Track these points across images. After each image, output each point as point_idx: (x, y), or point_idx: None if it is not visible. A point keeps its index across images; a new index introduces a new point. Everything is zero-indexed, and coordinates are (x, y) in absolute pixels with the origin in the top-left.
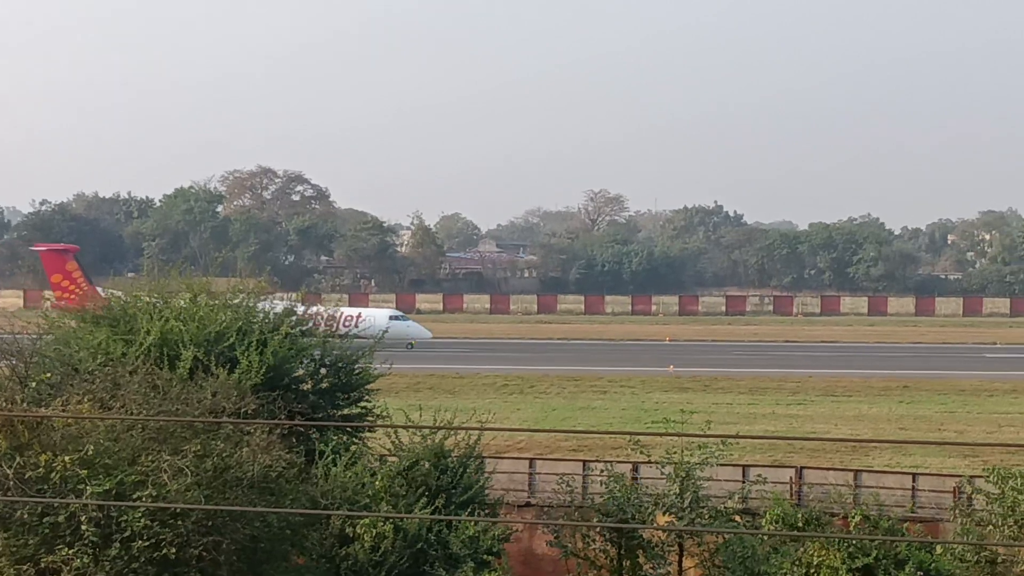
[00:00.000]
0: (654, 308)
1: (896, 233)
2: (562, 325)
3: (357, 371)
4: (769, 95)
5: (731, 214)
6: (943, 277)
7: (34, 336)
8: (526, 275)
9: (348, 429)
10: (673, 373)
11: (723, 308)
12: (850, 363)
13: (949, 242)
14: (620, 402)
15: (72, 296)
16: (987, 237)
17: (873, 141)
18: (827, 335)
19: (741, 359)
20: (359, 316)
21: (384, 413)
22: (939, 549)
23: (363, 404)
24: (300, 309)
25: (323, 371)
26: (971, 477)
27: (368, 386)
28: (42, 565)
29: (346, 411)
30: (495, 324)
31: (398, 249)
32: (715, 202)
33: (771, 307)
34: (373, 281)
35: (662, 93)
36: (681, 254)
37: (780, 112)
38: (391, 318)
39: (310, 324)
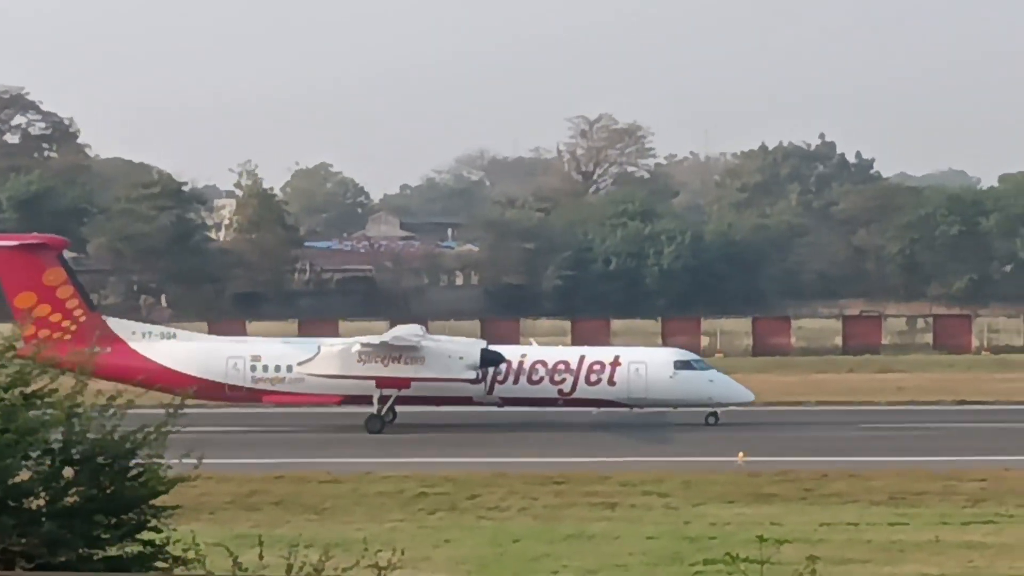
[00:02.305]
0: (705, 340)
1: None
2: None
3: (135, 472)
4: None
5: (852, 160)
6: None
7: None
8: (459, 281)
9: None
10: (744, 465)
11: (838, 340)
12: None
13: None
14: (643, 524)
15: (60, 333)
16: None
17: None
18: None
19: (874, 437)
20: (615, 362)
21: (189, 554)
22: None
23: (146, 537)
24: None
25: (67, 473)
26: None
27: (158, 500)
28: None
29: (115, 551)
30: None
31: (213, 236)
32: (821, 136)
33: (931, 335)
34: (164, 297)
35: None
36: (756, 236)
37: None
38: (677, 364)
39: (56, 379)
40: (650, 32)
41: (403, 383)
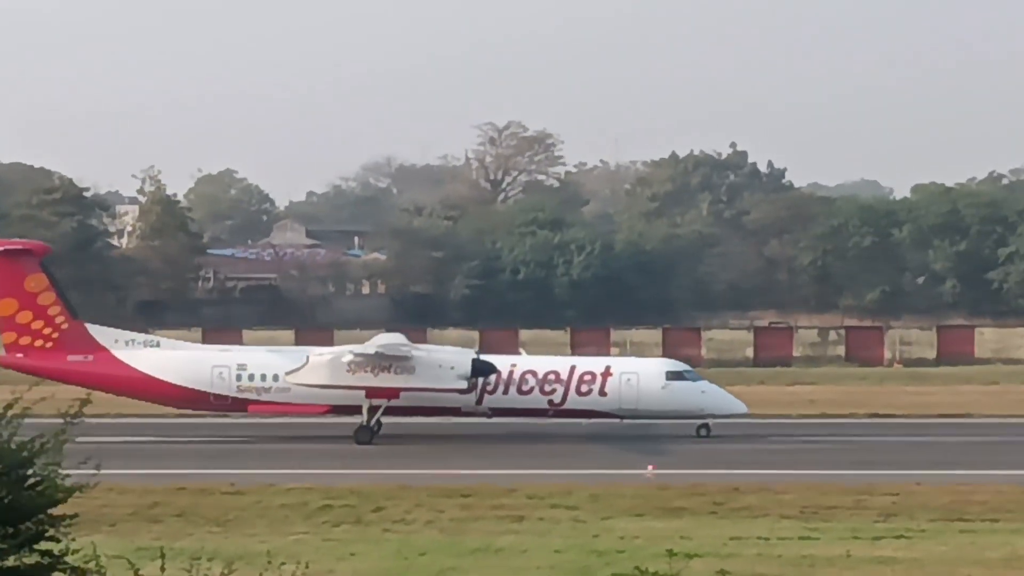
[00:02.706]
0: (615, 351)
1: None
2: None
3: (32, 481)
4: None
5: (763, 169)
6: None
7: None
8: (366, 290)
9: None
10: (653, 477)
11: (749, 351)
12: (999, 456)
13: None
14: (550, 538)
15: (42, 341)
16: None
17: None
18: (952, 402)
19: (785, 451)
20: (606, 373)
21: (90, 565)
22: None
23: (45, 548)
24: None
25: None
26: None
27: (56, 509)
28: None
29: (12, 562)
30: None
31: (115, 243)
32: (732, 145)
33: (843, 348)
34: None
35: None
36: (667, 246)
37: None
38: (669, 375)
39: None
40: (558, 40)
41: (392, 393)
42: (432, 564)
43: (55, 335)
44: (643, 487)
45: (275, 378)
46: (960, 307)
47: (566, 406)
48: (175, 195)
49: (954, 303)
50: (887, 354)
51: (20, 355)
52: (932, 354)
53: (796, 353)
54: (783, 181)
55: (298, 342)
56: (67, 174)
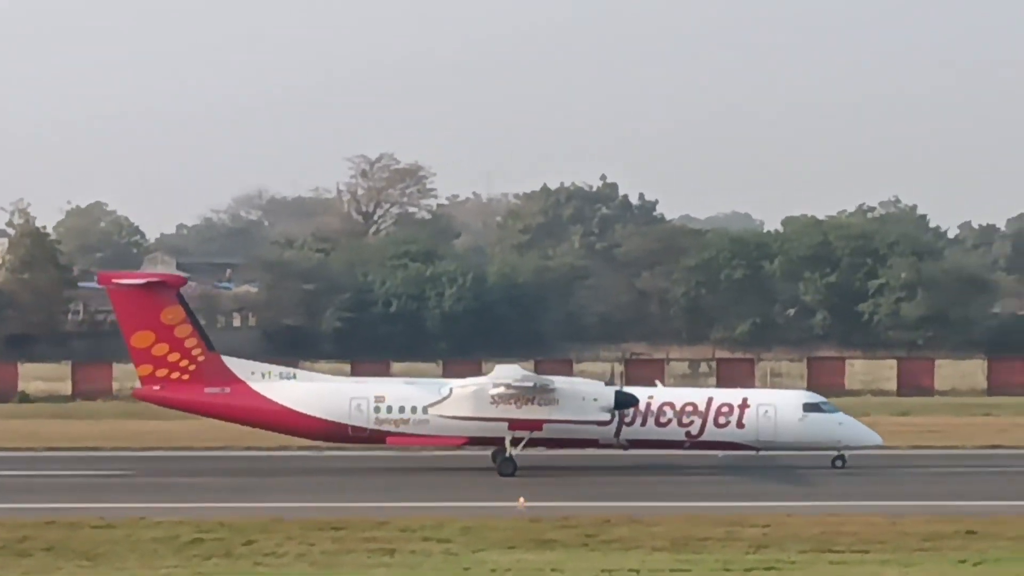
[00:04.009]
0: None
1: (951, 235)
2: None
3: None
4: None
5: (635, 202)
6: None
7: None
8: (236, 323)
9: None
10: (525, 511)
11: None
12: (868, 488)
13: None
14: (422, 570)
15: (179, 373)
16: None
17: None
18: None
19: (657, 482)
20: (743, 405)
21: None
22: None
23: None
24: None
25: None
26: None
27: None
28: None
29: None
30: (180, 419)
31: None
32: (603, 178)
33: (714, 380)
34: None
35: None
36: (539, 278)
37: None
38: (806, 407)
39: None
40: (431, 71)
41: (536, 425)
42: None
43: (192, 367)
44: (515, 519)
45: (413, 410)
46: (830, 339)
47: (703, 438)
48: (44, 228)
49: (824, 335)
50: (757, 385)
51: (156, 387)
52: (803, 385)
53: (668, 385)
54: (655, 213)
55: None
56: None
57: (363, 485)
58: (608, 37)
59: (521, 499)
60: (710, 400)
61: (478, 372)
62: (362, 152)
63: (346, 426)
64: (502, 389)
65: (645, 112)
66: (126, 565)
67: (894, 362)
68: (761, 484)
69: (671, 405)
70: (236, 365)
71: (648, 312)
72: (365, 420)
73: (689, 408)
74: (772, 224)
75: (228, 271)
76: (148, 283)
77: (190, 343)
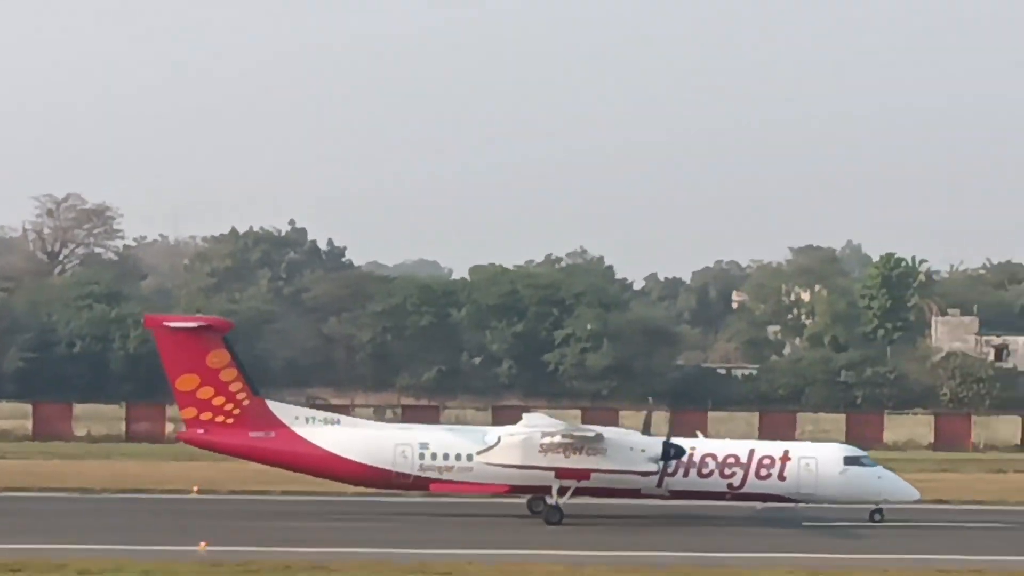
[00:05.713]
0: (170, 427)
1: (637, 287)
2: None
3: None
4: None
5: (323, 247)
6: (724, 373)
7: None
8: None
9: None
10: (206, 555)
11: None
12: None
13: (735, 306)
14: None
15: (223, 417)
16: (805, 297)
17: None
18: None
19: (345, 528)
20: (785, 457)
21: None
22: None
23: None
24: None
25: None
26: None
27: None
28: None
29: None
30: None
31: None
32: (291, 223)
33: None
34: None
35: None
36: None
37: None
38: (847, 460)
39: None
40: (119, 111)
41: (583, 474)
42: None
43: (236, 411)
44: (195, 563)
45: (457, 457)
46: (516, 388)
47: (744, 489)
48: None
49: (510, 384)
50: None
51: (201, 431)
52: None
53: None
54: (343, 259)
55: None
56: None
57: (42, 527)
58: (294, 90)
59: (202, 543)
60: (752, 452)
61: (161, 416)
62: (49, 191)
63: (390, 472)
64: (556, 439)
65: (335, 156)
66: None
67: (578, 412)
68: (444, 531)
69: (713, 456)
70: (280, 410)
71: (334, 357)
72: (409, 467)
73: (731, 460)
74: (460, 272)
75: None
76: (196, 327)
77: (235, 387)
